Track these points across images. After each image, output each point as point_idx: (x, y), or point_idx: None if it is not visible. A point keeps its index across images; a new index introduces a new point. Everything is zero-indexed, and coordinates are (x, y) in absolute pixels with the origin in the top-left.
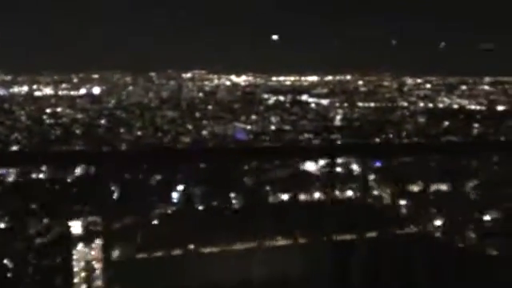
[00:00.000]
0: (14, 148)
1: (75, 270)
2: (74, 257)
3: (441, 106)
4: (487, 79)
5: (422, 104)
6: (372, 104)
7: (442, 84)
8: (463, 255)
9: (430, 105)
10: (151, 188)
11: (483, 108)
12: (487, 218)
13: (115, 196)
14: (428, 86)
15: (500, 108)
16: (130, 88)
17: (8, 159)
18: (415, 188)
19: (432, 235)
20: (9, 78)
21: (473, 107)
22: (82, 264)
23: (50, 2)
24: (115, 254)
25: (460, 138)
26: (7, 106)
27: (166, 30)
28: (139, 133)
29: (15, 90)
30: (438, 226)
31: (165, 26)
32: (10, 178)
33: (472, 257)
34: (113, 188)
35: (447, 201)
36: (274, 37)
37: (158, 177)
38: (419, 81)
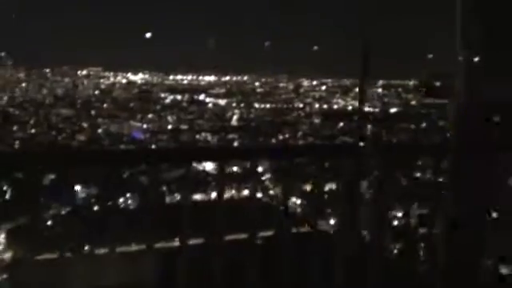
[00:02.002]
0: None
1: None
2: None
3: (335, 107)
4: (381, 82)
5: (317, 105)
6: (268, 105)
7: (337, 86)
8: (359, 254)
9: (325, 106)
10: (45, 188)
11: (376, 110)
12: (381, 216)
13: (7, 196)
14: (323, 87)
15: (393, 110)
16: (24, 84)
17: None
18: (309, 187)
19: (326, 234)
20: None
21: (366, 109)
22: None
23: None
24: (6, 255)
25: (354, 139)
26: None
27: (63, 26)
28: (33, 130)
29: None
30: (332, 225)
31: (61, 22)
32: None
33: (368, 256)
34: (5, 188)
35: (341, 200)
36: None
37: (52, 176)
38: (315, 83)
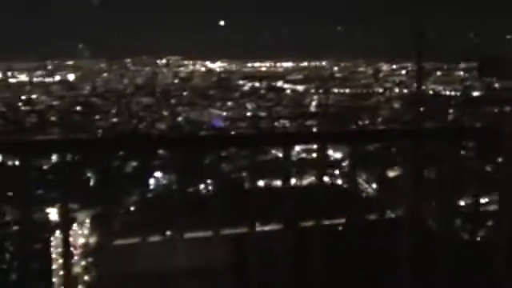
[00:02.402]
0: None
1: (53, 256)
2: (52, 243)
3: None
4: (462, 65)
5: (396, 90)
6: (347, 90)
7: (416, 70)
8: (435, 241)
9: (405, 90)
10: (127, 175)
11: (458, 94)
12: (461, 203)
13: (92, 183)
14: (403, 72)
15: (475, 94)
16: (105, 74)
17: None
18: (390, 174)
19: (404, 221)
20: None
21: (448, 93)
22: (60, 250)
23: None
24: (92, 240)
25: (435, 124)
26: None
27: (141, 17)
28: (115, 119)
29: None
30: (410, 212)
31: (140, 13)
32: None
33: (444, 243)
34: (89, 175)
35: (420, 186)
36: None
37: (134, 163)
38: (394, 67)
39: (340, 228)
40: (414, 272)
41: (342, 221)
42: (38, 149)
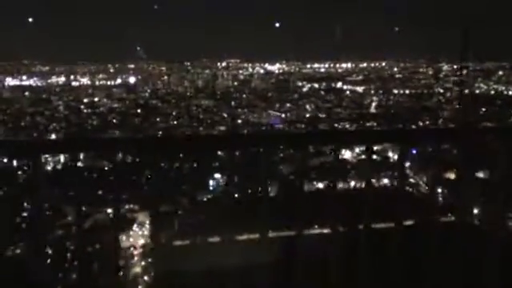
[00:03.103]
0: (53, 136)
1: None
2: (116, 243)
3: (477, 92)
4: None
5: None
6: (407, 91)
7: (478, 70)
8: (501, 244)
9: (466, 91)
10: (187, 176)
11: None
12: None
13: (152, 184)
14: (464, 71)
15: None
16: (165, 77)
17: (48, 147)
18: (452, 175)
19: (469, 223)
20: (47, 68)
21: (510, 93)
22: (121, 251)
23: None
24: (153, 240)
25: (496, 124)
26: (46, 96)
27: (200, 21)
28: (175, 122)
29: (53, 80)
30: (476, 214)
31: (198, 17)
32: (49, 167)
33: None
34: (150, 176)
35: (484, 188)
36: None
37: (195, 164)
38: (455, 67)
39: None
40: (467, 275)
41: (404, 223)
42: (99, 147)
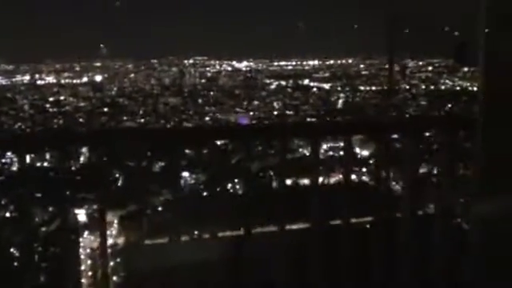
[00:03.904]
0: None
1: (81, 257)
2: (81, 244)
3: (442, 88)
4: None
5: (423, 86)
6: (374, 88)
7: (443, 66)
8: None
9: (432, 87)
10: (155, 175)
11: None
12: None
13: (120, 183)
14: (430, 68)
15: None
16: (132, 75)
17: (12, 146)
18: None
19: (427, 218)
20: (11, 67)
21: (475, 89)
22: (88, 252)
23: None
24: (121, 241)
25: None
26: (10, 95)
27: (166, 17)
28: (142, 120)
29: (17, 79)
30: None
31: (164, 13)
32: (14, 167)
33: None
34: (117, 175)
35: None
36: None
37: (162, 163)
38: (421, 63)
39: (367, 226)
40: (445, 269)
41: (369, 219)
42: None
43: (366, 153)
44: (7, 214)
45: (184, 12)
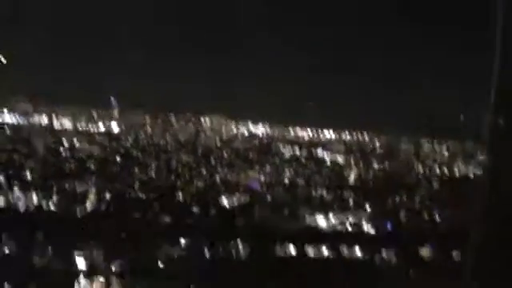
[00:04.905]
0: (28, 177)
1: None
2: None
3: (456, 172)
4: None
5: (437, 170)
6: (387, 166)
7: (460, 149)
8: None
9: (446, 171)
10: (159, 229)
11: None
12: None
13: (122, 234)
14: (444, 152)
15: None
16: (148, 128)
17: (22, 186)
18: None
19: None
20: (29, 107)
21: None
22: None
23: (76, 38)
24: None
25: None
26: (25, 135)
27: (189, 75)
28: (153, 173)
29: (35, 119)
30: None
31: (187, 71)
32: (22, 208)
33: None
34: (120, 227)
35: None
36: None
37: (167, 219)
38: (436, 146)
39: None
40: None
41: None
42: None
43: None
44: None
45: (202, 67)
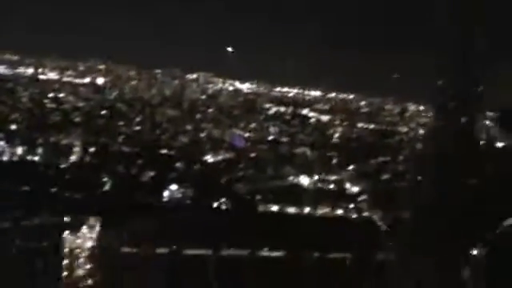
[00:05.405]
0: (13, 127)
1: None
2: (61, 244)
3: None
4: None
5: (421, 131)
6: (372, 126)
7: None
8: None
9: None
10: (143, 184)
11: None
12: None
13: (107, 187)
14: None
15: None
16: (134, 82)
17: (6, 137)
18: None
19: None
20: (15, 58)
21: None
22: (67, 251)
23: None
24: (100, 244)
25: None
26: (10, 86)
27: (176, 30)
28: (137, 127)
29: (20, 70)
30: None
31: (175, 26)
32: (5, 157)
33: None
34: (105, 179)
35: None
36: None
37: (151, 173)
38: (422, 108)
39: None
40: None
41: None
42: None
43: (356, 189)
44: None
45: (194, 25)
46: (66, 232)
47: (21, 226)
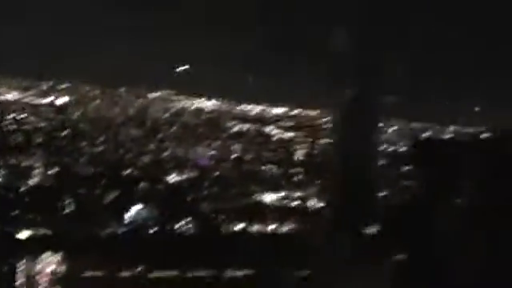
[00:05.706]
0: None
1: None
2: (18, 269)
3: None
4: None
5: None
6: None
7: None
8: None
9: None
10: (106, 205)
11: None
12: None
13: (69, 210)
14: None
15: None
16: (97, 101)
17: None
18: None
19: None
20: None
21: None
22: (24, 279)
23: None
24: (62, 269)
25: None
26: None
27: (140, 48)
28: (101, 147)
29: None
30: None
31: (138, 44)
32: None
33: None
34: (68, 201)
35: None
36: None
37: (115, 194)
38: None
39: None
40: None
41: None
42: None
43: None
44: None
45: (156, 42)
46: (26, 257)
47: None
